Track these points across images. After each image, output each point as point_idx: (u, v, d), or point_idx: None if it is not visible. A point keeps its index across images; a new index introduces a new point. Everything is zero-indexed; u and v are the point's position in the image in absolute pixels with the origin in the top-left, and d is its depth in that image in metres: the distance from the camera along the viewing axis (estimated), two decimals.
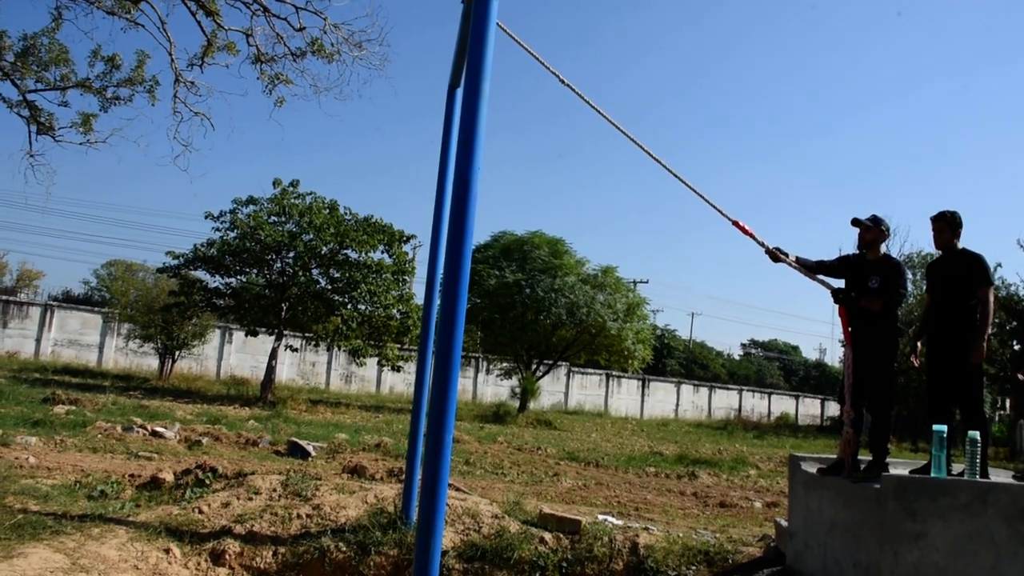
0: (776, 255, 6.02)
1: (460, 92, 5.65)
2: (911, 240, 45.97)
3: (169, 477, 8.03)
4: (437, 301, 5.88)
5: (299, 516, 6.62)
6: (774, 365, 68.88)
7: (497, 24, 4.40)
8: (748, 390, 52.04)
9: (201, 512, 6.62)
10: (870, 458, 5.75)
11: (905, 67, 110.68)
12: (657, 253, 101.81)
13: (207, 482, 7.85)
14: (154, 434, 12.37)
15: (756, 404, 50.58)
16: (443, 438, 3.73)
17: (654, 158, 5.97)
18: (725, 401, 49.33)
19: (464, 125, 4.02)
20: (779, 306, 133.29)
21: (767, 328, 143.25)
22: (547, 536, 6.60)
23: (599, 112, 5.81)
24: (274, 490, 7.18)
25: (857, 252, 6.17)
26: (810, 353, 74.55)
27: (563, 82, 5.86)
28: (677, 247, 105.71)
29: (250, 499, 6.95)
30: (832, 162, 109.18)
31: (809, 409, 52.69)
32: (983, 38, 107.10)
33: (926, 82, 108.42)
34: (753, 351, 72.62)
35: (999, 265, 33.06)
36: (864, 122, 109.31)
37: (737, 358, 69.28)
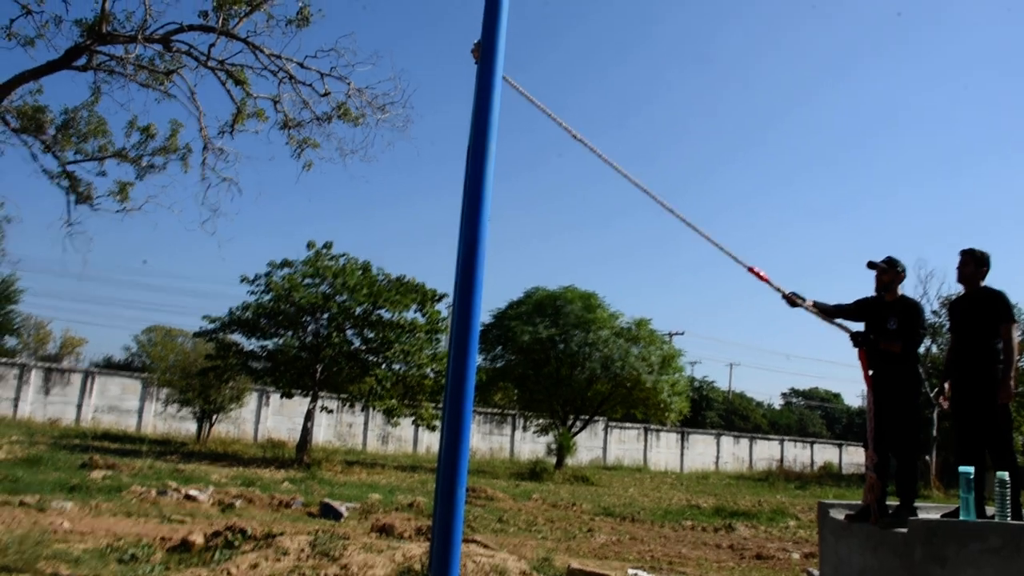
0: (793, 300, 6.00)
1: None
2: (948, 283, 45.06)
3: (199, 539, 8.08)
4: None
5: None
6: (816, 414, 67.77)
7: (504, 78, 4.41)
8: (790, 440, 51.13)
9: (230, 574, 6.66)
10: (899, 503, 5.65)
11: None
12: (692, 305, 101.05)
13: (236, 544, 7.89)
14: (188, 498, 12.46)
15: (798, 454, 49.62)
16: (456, 492, 3.73)
17: (661, 202, 6.02)
18: (766, 452, 48.45)
19: (471, 185, 3.99)
20: (819, 353, 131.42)
21: (807, 376, 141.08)
22: None
23: (599, 155, 5.89)
24: (302, 550, 7.20)
25: (875, 295, 6.14)
26: (852, 400, 72.93)
27: (575, 137, 5.95)
28: (712, 298, 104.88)
29: (278, 560, 6.97)
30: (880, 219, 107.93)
31: (853, 457, 51.50)
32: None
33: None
34: (794, 400, 71.47)
35: None
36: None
37: (778, 408, 68.28)
